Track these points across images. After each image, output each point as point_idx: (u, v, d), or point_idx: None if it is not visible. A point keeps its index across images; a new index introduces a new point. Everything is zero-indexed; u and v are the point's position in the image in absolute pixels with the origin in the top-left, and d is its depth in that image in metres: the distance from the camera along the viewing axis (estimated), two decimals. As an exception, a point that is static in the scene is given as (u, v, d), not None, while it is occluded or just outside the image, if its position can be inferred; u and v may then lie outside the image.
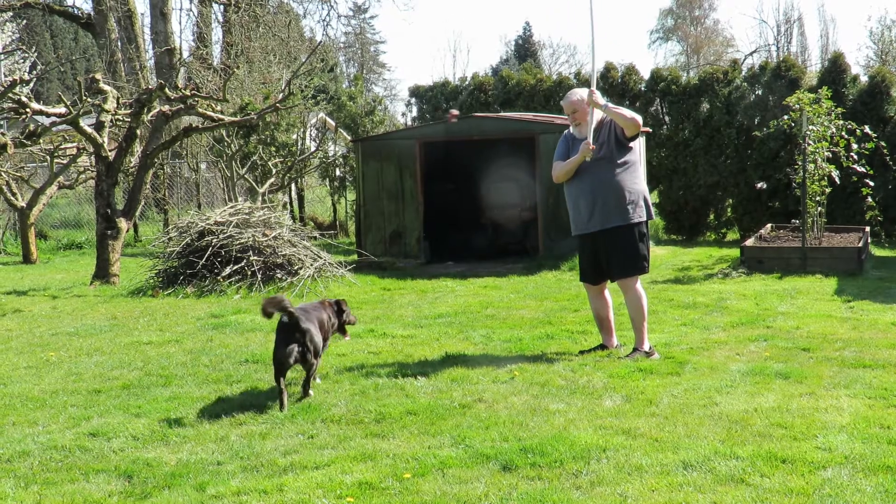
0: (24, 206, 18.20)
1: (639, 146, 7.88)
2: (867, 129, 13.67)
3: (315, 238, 14.02)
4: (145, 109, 14.18)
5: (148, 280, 12.87)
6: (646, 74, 19.71)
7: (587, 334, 8.63)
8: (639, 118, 7.61)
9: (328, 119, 24.26)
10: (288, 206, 22.23)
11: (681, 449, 5.22)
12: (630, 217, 7.66)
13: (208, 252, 12.48)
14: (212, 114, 15.25)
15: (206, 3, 30.76)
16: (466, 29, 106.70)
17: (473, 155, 16.44)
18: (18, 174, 19.57)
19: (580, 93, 7.83)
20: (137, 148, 15.78)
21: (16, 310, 11.50)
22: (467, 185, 16.72)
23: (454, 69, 66.38)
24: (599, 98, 7.61)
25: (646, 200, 7.79)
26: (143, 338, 9.28)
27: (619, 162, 7.65)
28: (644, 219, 7.74)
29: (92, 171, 17.53)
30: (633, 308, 7.75)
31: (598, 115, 7.70)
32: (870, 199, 13.99)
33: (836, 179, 13.55)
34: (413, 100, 23.08)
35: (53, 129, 14.85)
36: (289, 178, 20.76)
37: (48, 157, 18.73)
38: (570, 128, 7.97)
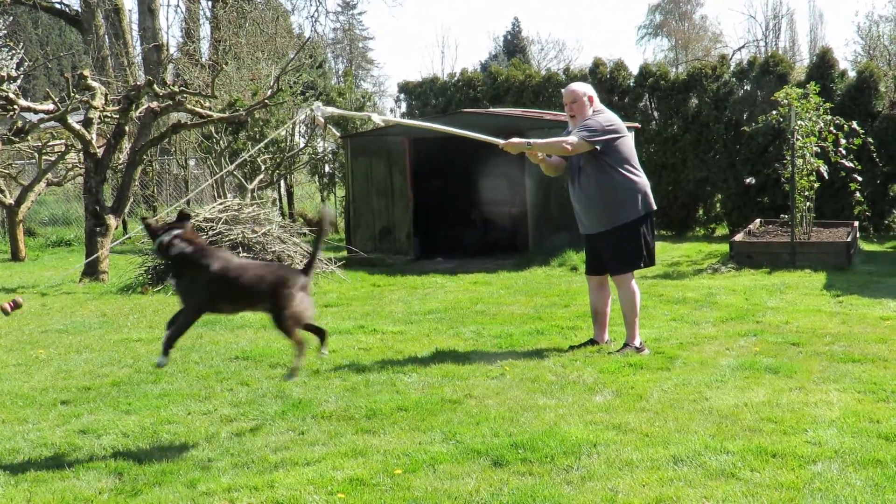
0: (13, 203, 18.14)
1: (628, 141, 7.85)
2: (855, 124, 13.70)
3: (304, 234, 14.00)
4: (133, 106, 14.15)
5: (137, 277, 12.83)
6: (634, 70, 19.74)
7: (577, 330, 8.65)
8: (568, 141, 7.62)
9: (317, 115, 24.20)
10: (277, 202, 22.18)
11: (671, 444, 5.24)
12: (618, 219, 7.64)
13: (198, 249, 12.43)
14: (200, 110, 15.22)
15: (194, -2, 30.69)
16: (455, 25, 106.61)
17: (462, 151, 16.42)
18: (6, 171, 19.50)
19: (582, 86, 7.84)
20: (126, 145, 15.72)
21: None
22: (457, 182, 16.71)
23: (443, 65, 66.46)
24: (514, 143, 7.74)
25: (643, 195, 7.73)
26: (133, 335, 9.26)
27: (600, 167, 7.63)
28: (638, 215, 7.70)
29: (80, 168, 17.49)
30: (627, 304, 7.76)
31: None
32: (858, 194, 14.03)
33: (825, 174, 13.59)
34: (402, 96, 23.07)
35: (41, 126, 14.80)
36: (278, 175, 20.72)
37: (36, 154, 18.65)
38: (568, 118, 7.94)
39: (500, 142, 7.76)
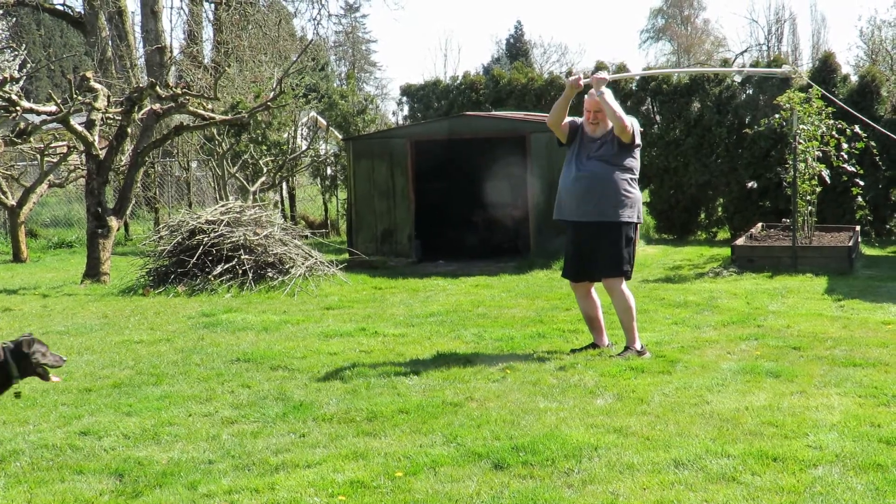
0: (15, 204, 18.14)
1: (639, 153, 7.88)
2: (857, 128, 13.70)
3: (306, 237, 14.00)
4: (136, 108, 14.16)
5: (139, 279, 12.84)
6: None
7: (578, 333, 8.64)
8: (626, 122, 7.55)
9: (319, 118, 24.24)
10: (279, 204, 22.20)
11: (672, 447, 5.23)
12: (620, 216, 7.65)
13: (199, 251, 12.45)
14: (203, 112, 15.23)
15: (197, 1, 30.74)
16: (458, 28, 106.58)
17: (465, 154, 16.44)
18: (9, 172, 19.50)
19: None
20: (128, 146, 15.75)
21: (6, 308, 11.46)
22: (458, 184, 16.72)
23: (445, 68, 66.19)
24: (602, 83, 7.63)
25: (638, 205, 7.78)
26: (134, 336, 9.25)
27: (619, 164, 7.66)
28: (631, 219, 7.71)
29: (82, 170, 17.49)
30: (621, 310, 7.75)
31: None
32: (860, 198, 14.03)
33: (827, 179, 13.59)
34: (404, 99, 23.06)
35: (44, 127, 14.81)
36: (280, 177, 20.74)
37: (38, 156, 18.67)
38: (585, 121, 7.86)
39: (605, 75, 7.73)
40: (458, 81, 21.88)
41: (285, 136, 20.79)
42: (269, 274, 12.47)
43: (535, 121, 15.28)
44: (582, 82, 7.69)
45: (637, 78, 19.32)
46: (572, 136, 7.88)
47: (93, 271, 13.67)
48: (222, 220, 12.84)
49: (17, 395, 5.79)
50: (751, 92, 18.47)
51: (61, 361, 5.68)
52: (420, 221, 15.51)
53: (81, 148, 15.07)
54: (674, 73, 9.58)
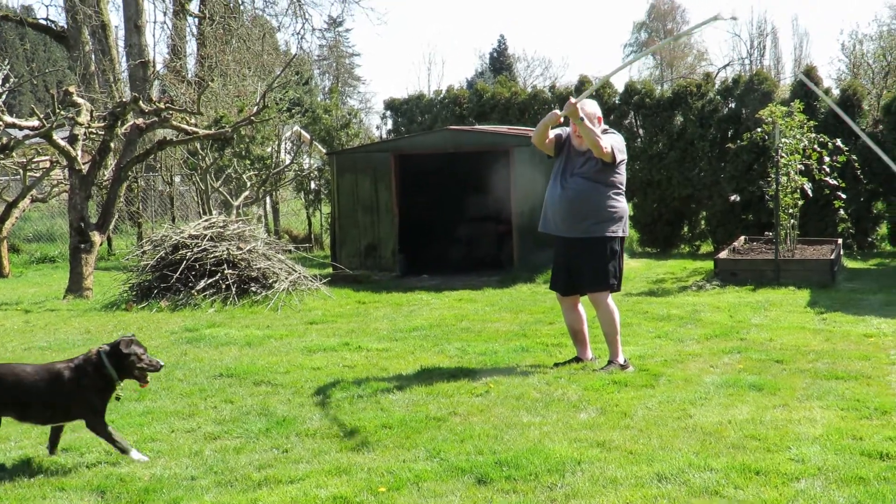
0: (-3, 219, 18.07)
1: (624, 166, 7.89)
2: (839, 142, 13.79)
3: (290, 251, 14.00)
4: (119, 122, 14.13)
5: (122, 294, 12.79)
6: (620, 87, 19.79)
7: (562, 347, 8.65)
8: (605, 147, 7.51)
9: (303, 132, 24.23)
10: (263, 219, 22.15)
11: (655, 461, 5.24)
12: (605, 230, 7.67)
13: (182, 265, 12.43)
14: (186, 127, 15.21)
15: (181, 15, 30.69)
16: (441, 42, 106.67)
17: (448, 168, 16.46)
18: (-10, 187, 19.42)
19: (591, 106, 7.77)
20: (111, 161, 15.69)
21: (-13, 324, 11.41)
22: (442, 198, 16.73)
23: (429, 82, 66.39)
24: (581, 110, 7.54)
25: (624, 219, 7.80)
26: (117, 352, 9.20)
27: (603, 180, 7.65)
28: (617, 234, 7.74)
29: (65, 185, 17.43)
30: (606, 323, 7.76)
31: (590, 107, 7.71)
32: (842, 211, 14.10)
33: (809, 192, 13.66)
34: (388, 113, 23.09)
35: (26, 142, 14.76)
36: (263, 192, 20.71)
37: (21, 171, 18.60)
38: (571, 133, 7.87)
39: (573, 100, 7.53)
40: (442, 95, 21.92)
41: (269, 150, 20.76)
42: (253, 288, 12.45)
43: (518, 135, 15.31)
44: (561, 117, 7.71)
45: (620, 92, 19.40)
46: (559, 149, 7.91)
47: (75, 286, 13.61)
48: (206, 235, 12.81)
49: (118, 398, 5.86)
50: (733, 106, 18.56)
51: (159, 366, 5.79)
52: (404, 235, 15.52)
53: (64, 163, 15.03)
54: (633, 62, 9.32)
